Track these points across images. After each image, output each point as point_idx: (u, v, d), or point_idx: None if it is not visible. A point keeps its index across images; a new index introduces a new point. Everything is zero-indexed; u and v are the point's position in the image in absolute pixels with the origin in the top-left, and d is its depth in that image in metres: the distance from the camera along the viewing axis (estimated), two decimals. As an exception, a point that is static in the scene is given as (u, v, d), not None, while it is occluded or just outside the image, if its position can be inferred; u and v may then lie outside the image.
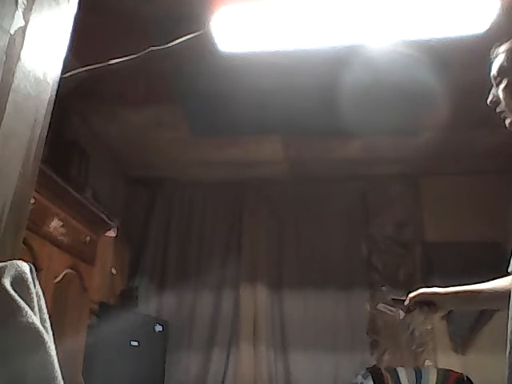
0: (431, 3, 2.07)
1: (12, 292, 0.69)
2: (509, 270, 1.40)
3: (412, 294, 1.54)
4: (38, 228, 2.34)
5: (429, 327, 3.76)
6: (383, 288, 3.89)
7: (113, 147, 3.86)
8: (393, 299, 1.67)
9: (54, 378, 0.68)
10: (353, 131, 3.41)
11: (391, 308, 1.58)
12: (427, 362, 3.69)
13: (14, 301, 0.69)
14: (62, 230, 2.55)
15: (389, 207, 4.14)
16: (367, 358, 3.75)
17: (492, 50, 1.34)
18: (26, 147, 0.87)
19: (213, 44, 2.34)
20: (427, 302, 1.52)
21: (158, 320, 3.80)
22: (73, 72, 2.43)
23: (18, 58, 0.85)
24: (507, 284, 1.40)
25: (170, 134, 3.63)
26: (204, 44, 2.39)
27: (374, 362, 3.72)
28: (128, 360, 3.30)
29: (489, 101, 1.33)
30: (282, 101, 3.14)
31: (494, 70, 1.31)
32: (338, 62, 2.68)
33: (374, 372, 3.37)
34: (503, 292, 1.39)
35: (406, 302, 1.55)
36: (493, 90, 1.33)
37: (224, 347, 3.87)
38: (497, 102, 1.31)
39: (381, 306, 1.64)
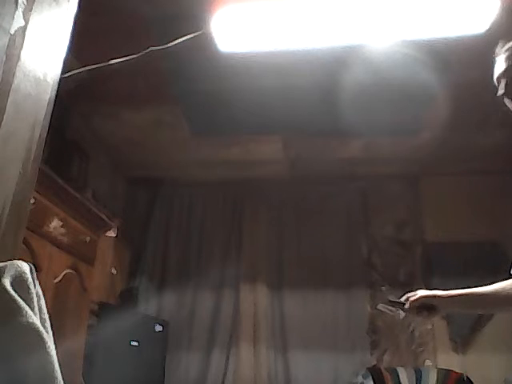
0: (431, 3, 2.07)
1: (12, 292, 0.69)
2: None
3: (412, 298, 1.51)
4: (38, 228, 2.34)
5: (429, 327, 3.76)
6: (383, 288, 3.89)
7: (113, 147, 3.86)
8: (390, 301, 1.63)
9: (54, 378, 0.68)
10: (353, 131, 3.41)
11: (391, 308, 1.56)
12: (427, 362, 3.69)
13: (14, 301, 0.69)
14: (62, 230, 2.55)
15: (389, 207, 4.14)
16: (367, 358, 3.75)
17: (499, 47, 1.34)
18: (25, 147, 0.87)
19: (213, 44, 2.33)
20: (427, 306, 1.50)
21: (158, 320, 3.80)
22: (73, 72, 2.43)
23: (18, 58, 0.85)
24: (510, 286, 1.38)
25: (170, 134, 3.64)
26: (204, 44, 2.39)
27: (374, 362, 3.72)
28: (128, 360, 3.30)
29: (499, 93, 1.32)
30: (281, 101, 3.14)
31: (504, 67, 1.31)
32: (338, 62, 2.68)
33: (374, 372, 3.38)
34: (506, 295, 1.37)
35: (406, 306, 1.52)
36: (501, 85, 1.32)
37: (224, 347, 3.87)
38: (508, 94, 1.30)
39: (381, 306, 1.62)
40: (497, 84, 1.34)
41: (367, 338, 3.81)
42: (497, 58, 1.34)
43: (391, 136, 3.57)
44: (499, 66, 1.32)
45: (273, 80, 2.93)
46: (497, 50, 1.34)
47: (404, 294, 1.58)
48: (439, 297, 1.49)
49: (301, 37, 2.26)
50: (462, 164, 3.94)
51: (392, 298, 1.63)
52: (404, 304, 1.54)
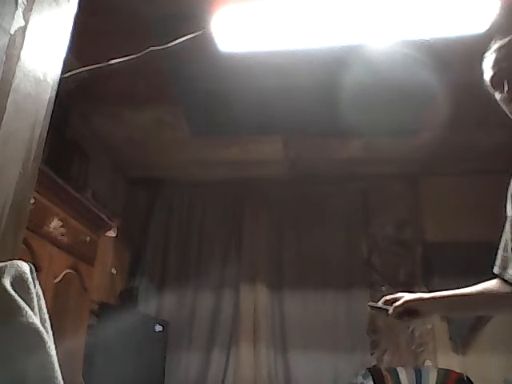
0: (431, 3, 2.07)
1: (12, 292, 0.69)
2: (495, 271, 1.38)
3: (396, 303, 1.47)
4: (38, 228, 2.34)
5: (429, 327, 3.76)
6: (383, 288, 3.89)
7: (113, 147, 3.86)
8: (372, 307, 1.59)
9: (54, 377, 0.68)
10: (353, 131, 3.41)
11: (380, 306, 1.54)
12: (427, 362, 3.69)
13: (14, 301, 0.69)
14: (62, 230, 2.55)
15: (389, 207, 4.14)
16: (367, 358, 3.75)
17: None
18: (26, 147, 0.87)
19: (213, 44, 2.33)
20: (410, 311, 1.46)
21: (158, 320, 3.80)
22: (73, 72, 2.43)
23: (18, 58, 0.85)
24: (494, 287, 1.37)
25: (170, 134, 3.64)
26: (204, 44, 2.39)
27: (374, 362, 3.72)
28: (128, 360, 3.30)
29: (504, 90, 1.27)
30: (282, 101, 3.14)
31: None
32: (338, 62, 2.68)
33: (375, 372, 3.38)
34: (490, 297, 1.36)
35: (390, 311, 1.48)
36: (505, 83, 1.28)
37: (224, 347, 3.87)
38: None
39: (371, 304, 1.60)
40: (491, 82, 1.30)
41: (367, 338, 3.81)
42: (489, 56, 1.30)
43: (391, 136, 3.57)
44: (496, 64, 1.28)
45: (273, 80, 2.93)
46: (491, 44, 1.30)
47: (383, 297, 1.55)
48: (423, 300, 1.46)
49: (301, 37, 2.26)
50: (462, 164, 3.93)
51: (373, 303, 1.60)
52: (386, 310, 1.51)
